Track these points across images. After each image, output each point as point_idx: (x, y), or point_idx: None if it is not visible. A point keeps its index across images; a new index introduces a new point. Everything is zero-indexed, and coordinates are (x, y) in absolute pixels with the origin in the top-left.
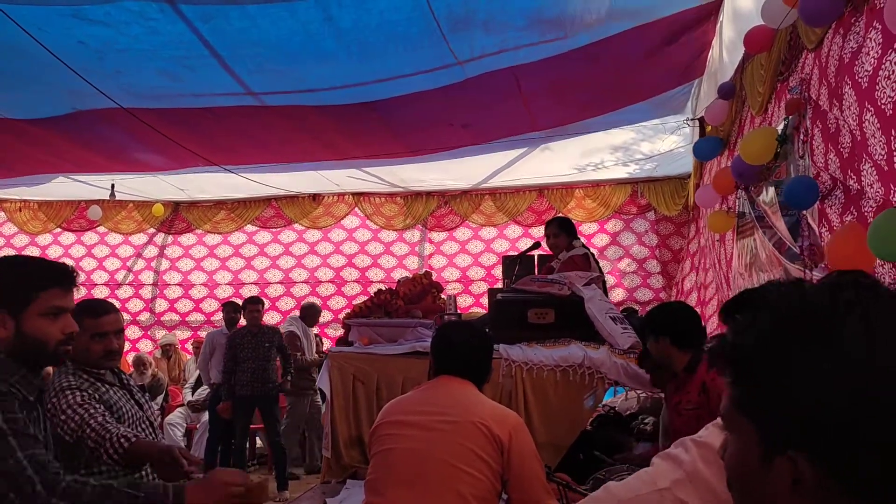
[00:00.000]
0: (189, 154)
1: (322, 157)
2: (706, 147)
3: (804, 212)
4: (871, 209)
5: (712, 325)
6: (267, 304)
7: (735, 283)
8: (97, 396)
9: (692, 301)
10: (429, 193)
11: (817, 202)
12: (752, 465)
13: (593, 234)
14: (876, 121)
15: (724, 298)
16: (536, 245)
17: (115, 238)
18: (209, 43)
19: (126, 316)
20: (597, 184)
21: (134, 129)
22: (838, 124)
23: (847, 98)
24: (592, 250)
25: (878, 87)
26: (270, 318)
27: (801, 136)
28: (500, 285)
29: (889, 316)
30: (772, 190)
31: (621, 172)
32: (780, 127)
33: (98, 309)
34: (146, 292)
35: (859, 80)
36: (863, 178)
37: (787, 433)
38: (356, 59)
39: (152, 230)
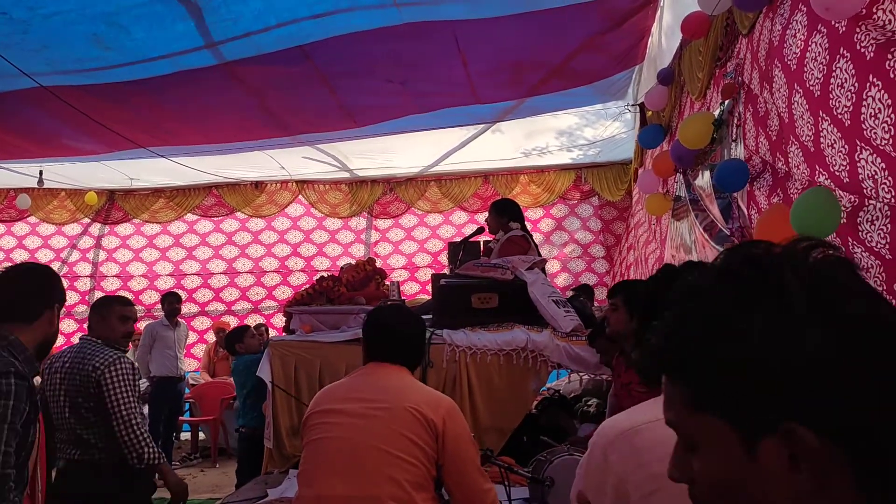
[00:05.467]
0: (119, 137)
1: (261, 133)
2: (650, 135)
3: (735, 195)
4: (796, 191)
5: None
6: (210, 294)
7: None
8: None
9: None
10: (374, 180)
11: (747, 185)
12: (735, 464)
13: (539, 219)
14: (804, 102)
15: None
16: (480, 230)
17: (47, 228)
18: None
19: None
20: (541, 170)
21: (61, 111)
22: (767, 108)
23: (777, 81)
24: (536, 235)
25: (805, 69)
26: (214, 309)
27: (735, 121)
28: (446, 272)
29: (811, 266)
30: (707, 174)
31: (565, 158)
32: (717, 112)
33: (127, 300)
34: (82, 284)
35: (788, 62)
36: (790, 160)
37: (767, 408)
38: None
39: (87, 220)
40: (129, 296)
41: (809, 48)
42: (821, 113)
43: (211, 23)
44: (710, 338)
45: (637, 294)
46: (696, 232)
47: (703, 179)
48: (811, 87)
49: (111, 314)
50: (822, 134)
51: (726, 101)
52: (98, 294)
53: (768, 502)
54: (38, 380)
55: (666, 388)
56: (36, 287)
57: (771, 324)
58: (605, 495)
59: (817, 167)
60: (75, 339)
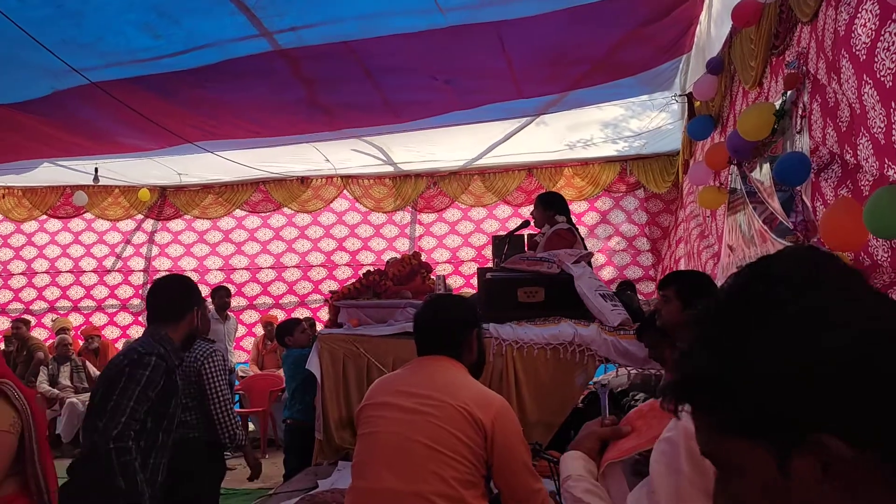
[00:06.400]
0: (168, 133)
1: (307, 127)
2: (700, 126)
3: (798, 188)
4: (867, 183)
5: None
6: (258, 288)
7: (727, 258)
8: None
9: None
10: (417, 174)
11: (812, 177)
12: (772, 484)
13: (583, 212)
14: (875, 93)
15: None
16: (525, 224)
17: (102, 224)
18: None
19: (116, 302)
20: (586, 162)
21: (112, 107)
22: (837, 98)
23: (845, 71)
24: (581, 228)
25: (877, 60)
26: (262, 302)
27: (800, 111)
28: (491, 265)
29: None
30: (766, 166)
31: (610, 150)
32: (778, 102)
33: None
34: (136, 279)
35: (857, 52)
36: (859, 153)
37: (790, 423)
38: None
39: (140, 216)
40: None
41: (882, 38)
42: (893, 104)
43: (262, 17)
44: (717, 364)
45: (691, 285)
46: (755, 225)
47: (762, 172)
48: (882, 78)
49: (203, 311)
50: (894, 126)
51: (789, 92)
52: None
53: None
54: None
55: (693, 418)
56: (180, 294)
57: (775, 338)
58: (703, 465)
59: (886, 160)
60: (132, 332)
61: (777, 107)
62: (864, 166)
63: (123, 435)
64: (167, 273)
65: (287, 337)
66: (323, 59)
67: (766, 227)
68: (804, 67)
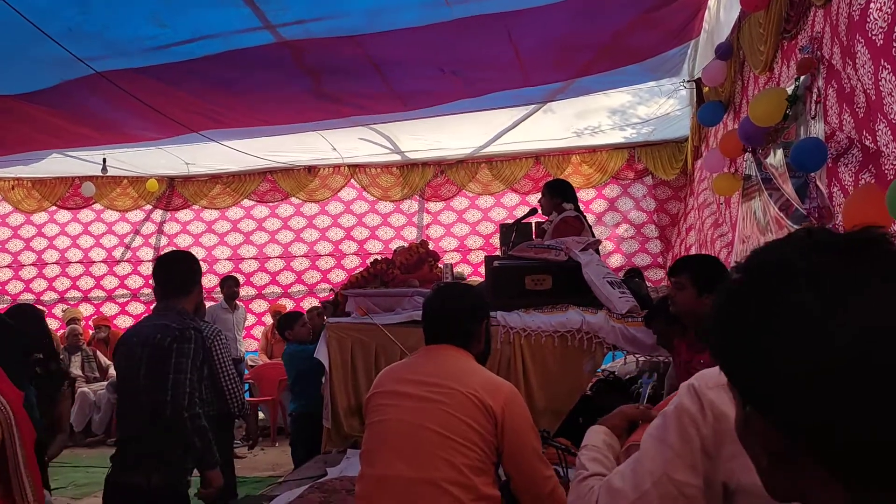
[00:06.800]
0: (174, 122)
1: (313, 115)
2: (709, 112)
3: (813, 174)
4: (891, 167)
5: None
6: (267, 278)
7: (741, 245)
8: None
9: None
10: (425, 163)
11: (829, 162)
12: (738, 421)
13: (591, 200)
14: (893, 79)
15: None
16: (533, 211)
17: (111, 215)
18: None
19: (126, 292)
20: (593, 149)
21: (118, 97)
22: (852, 84)
23: (861, 56)
24: (589, 216)
25: (895, 45)
26: (271, 292)
27: (814, 97)
28: (498, 254)
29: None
30: (780, 152)
31: (618, 137)
32: (791, 87)
33: None
34: (145, 269)
35: (873, 37)
36: (878, 139)
37: (748, 396)
38: None
39: (149, 206)
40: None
41: None
42: None
43: (266, 10)
44: (722, 327)
45: (705, 270)
46: (770, 211)
47: (776, 158)
48: None
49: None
50: None
51: (802, 77)
52: None
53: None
54: None
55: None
56: (187, 268)
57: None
58: (692, 442)
59: None
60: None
61: (789, 92)
62: (884, 151)
63: (192, 403)
64: (171, 249)
65: (287, 331)
66: (328, 52)
67: (781, 214)
68: (818, 52)
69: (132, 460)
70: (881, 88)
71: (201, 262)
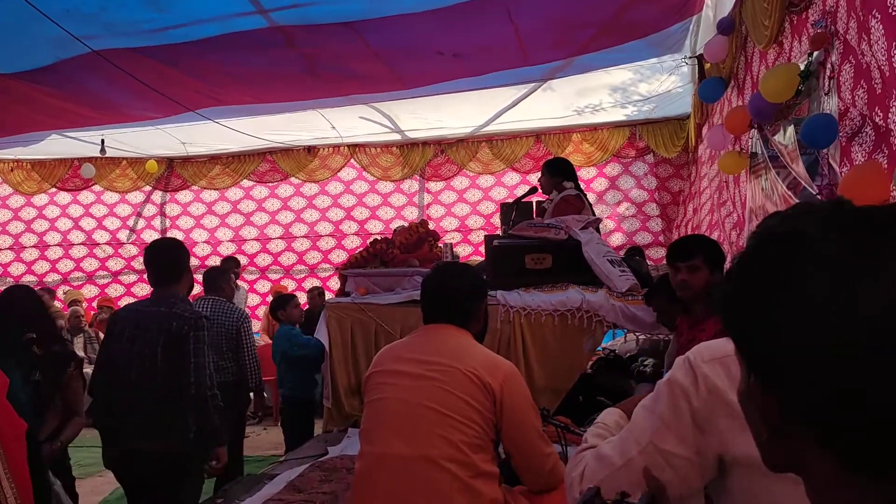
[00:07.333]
0: (172, 102)
1: (311, 93)
2: (710, 88)
3: (824, 151)
4: None
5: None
6: (269, 259)
7: (750, 223)
8: None
9: None
10: (425, 142)
11: (843, 141)
12: (741, 390)
13: (592, 178)
14: None
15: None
16: (533, 190)
17: (111, 197)
18: None
19: (133, 275)
20: (594, 127)
21: (115, 76)
22: (867, 60)
23: (875, 32)
24: (589, 194)
25: None
26: (274, 273)
27: (827, 72)
28: (499, 233)
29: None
30: (790, 129)
31: (619, 115)
32: (804, 63)
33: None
34: None
35: (892, 12)
36: (890, 116)
37: (753, 366)
38: None
39: (148, 188)
40: (194, 262)
41: None
42: None
43: None
44: (731, 301)
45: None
46: (777, 189)
47: (786, 135)
48: None
49: (230, 281)
50: None
51: (815, 52)
52: None
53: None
54: None
55: None
56: (174, 256)
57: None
58: (682, 414)
59: None
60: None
61: (802, 67)
62: (894, 130)
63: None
64: (161, 238)
65: (280, 311)
66: (324, 36)
67: (790, 193)
68: (832, 27)
69: (135, 430)
70: (894, 65)
71: (204, 244)
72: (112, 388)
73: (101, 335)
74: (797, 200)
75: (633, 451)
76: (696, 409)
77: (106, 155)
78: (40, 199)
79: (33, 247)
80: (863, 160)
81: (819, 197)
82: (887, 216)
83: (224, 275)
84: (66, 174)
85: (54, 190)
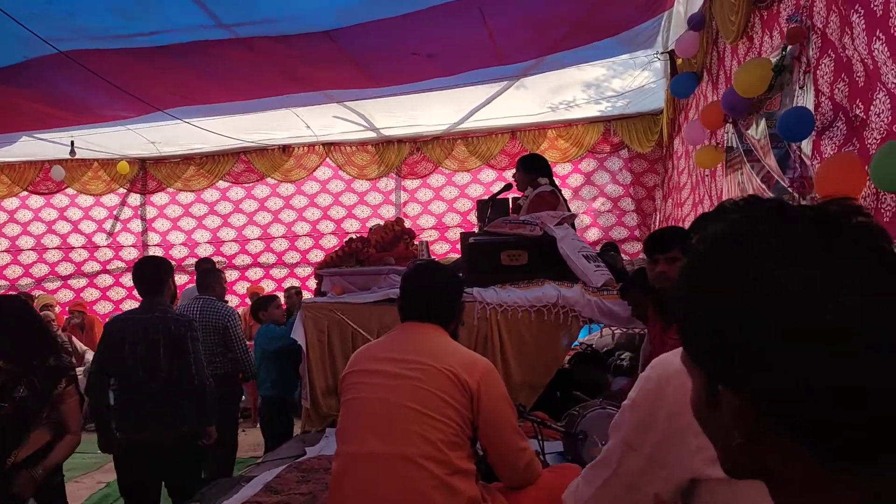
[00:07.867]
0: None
1: (283, 89)
2: (682, 83)
3: (795, 144)
4: (875, 140)
5: None
6: (248, 259)
7: None
8: None
9: None
10: (400, 140)
11: (814, 135)
12: (701, 403)
13: (567, 174)
14: (885, 49)
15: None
16: (508, 187)
17: (86, 200)
18: None
19: (109, 278)
20: (569, 123)
21: (84, 76)
22: (848, 53)
23: (857, 26)
24: (565, 190)
25: (892, 14)
26: (254, 274)
27: (802, 67)
28: (476, 230)
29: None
30: (762, 123)
31: (593, 111)
32: (776, 57)
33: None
34: (127, 254)
35: (874, 7)
36: (872, 108)
37: (721, 374)
38: None
39: (123, 190)
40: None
41: None
42: None
43: (219, 13)
44: (683, 292)
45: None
46: (753, 183)
47: (759, 129)
48: None
49: (220, 280)
50: None
51: (790, 47)
52: None
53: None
54: None
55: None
56: (157, 272)
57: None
58: (651, 430)
59: None
60: (124, 306)
61: (774, 62)
62: (873, 122)
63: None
64: (146, 256)
65: (261, 312)
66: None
67: (764, 186)
68: (808, 21)
69: (149, 420)
70: (875, 58)
71: (182, 247)
72: (123, 388)
73: (74, 339)
74: (770, 194)
75: (598, 482)
76: (652, 452)
77: (76, 157)
78: (11, 203)
79: (5, 251)
80: (832, 154)
81: (790, 190)
82: (826, 212)
83: (213, 274)
84: (36, 177)
85: (25, 193)
